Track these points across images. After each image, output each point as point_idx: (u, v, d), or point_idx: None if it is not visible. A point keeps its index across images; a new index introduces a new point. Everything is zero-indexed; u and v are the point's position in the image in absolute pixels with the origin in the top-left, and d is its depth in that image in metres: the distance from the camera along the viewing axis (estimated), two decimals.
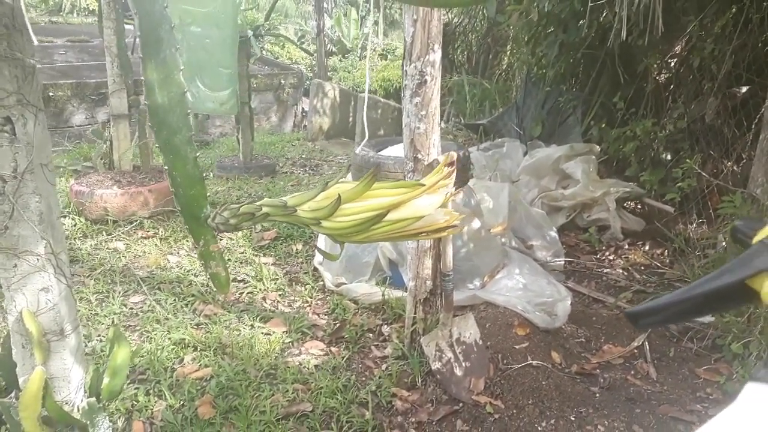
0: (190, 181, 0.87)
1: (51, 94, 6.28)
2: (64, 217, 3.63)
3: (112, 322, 2.53)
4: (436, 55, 2.05)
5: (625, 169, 4.19)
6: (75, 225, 3.54)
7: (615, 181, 3.92)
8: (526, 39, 5.10)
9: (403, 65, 2.13)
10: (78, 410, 1.19)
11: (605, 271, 3.34)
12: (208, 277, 1.00)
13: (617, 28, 3.08)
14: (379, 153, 3.02)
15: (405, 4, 1.86)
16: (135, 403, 2.05)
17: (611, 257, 3.50)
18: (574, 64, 4.66)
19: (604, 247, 3.61)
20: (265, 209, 0.81)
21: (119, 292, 2.79)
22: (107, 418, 1.23)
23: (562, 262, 3.39)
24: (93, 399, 1.20)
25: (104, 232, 3.49)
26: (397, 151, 2.96)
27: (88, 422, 1.19)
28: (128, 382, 2.15)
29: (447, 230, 0.78)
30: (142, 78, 0.81)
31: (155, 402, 2.07)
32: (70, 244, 3.31)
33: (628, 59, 4.07)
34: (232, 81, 3.00)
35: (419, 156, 2.17)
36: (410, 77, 2.08)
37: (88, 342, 2.35)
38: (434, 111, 2.12)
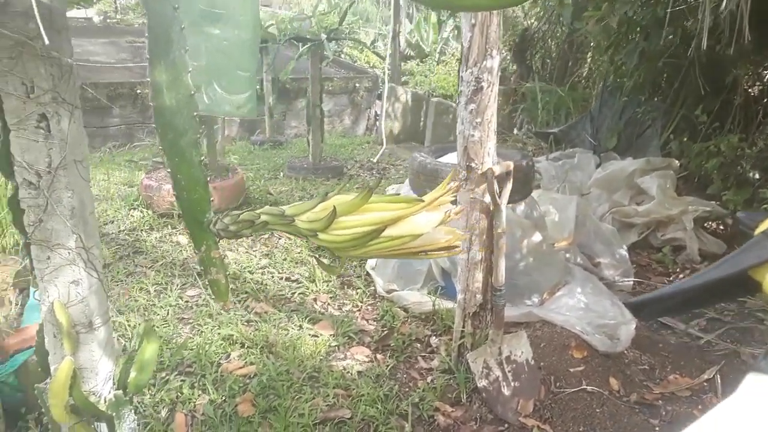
0: (194, 185, 0.85)
1: (139, 91, 6.62)
2: (134, 209, 3.81)
3: (167, 313, 2.61)
4: (494, 61, 1.98)
5: (706, 186, 3.90)
6: (143, 217, 3.70)
7: (694, 199, 3.66)
8: (605, 46, 4.88)
9: (459, 71, 2.06)
10: (105, 402, 1.21)
11: None
12: (207, 283, 0.99)
13: (699, 36, 2.87)
14: (437, 159, 2.95)
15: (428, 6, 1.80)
16: (180, 394, 2.09)
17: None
18: (655, 74, 4.40)
19: (678, 269, 3.38)
20: (263, 217, 0.78)
21: (177, 285, 2.87)
22: (133, 411, 1.24)
23: (631, 283, 3.20)
24: (120, 392, 1.22)
25: (169, 226, 3.62)
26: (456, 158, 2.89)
27: (114, 414, 1.21)
28: (175, 373, 2.20)
29: (448, 250, 0.72)
30: (148, 79, 0.80)
31: (198, 395, 2.10)
32: (136, 235, 3.45)
33: (715, 69, 3.79)
34: (251, 84, 2.97)
35: (473, 165, 2.10)
36: (466, 83, 2.01)
37: None
38: (490, 119, 2.04)
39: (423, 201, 0.70)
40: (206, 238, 0.91)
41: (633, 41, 4.38)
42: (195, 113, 0.81)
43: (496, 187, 2.13)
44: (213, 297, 1.03)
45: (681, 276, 3.30)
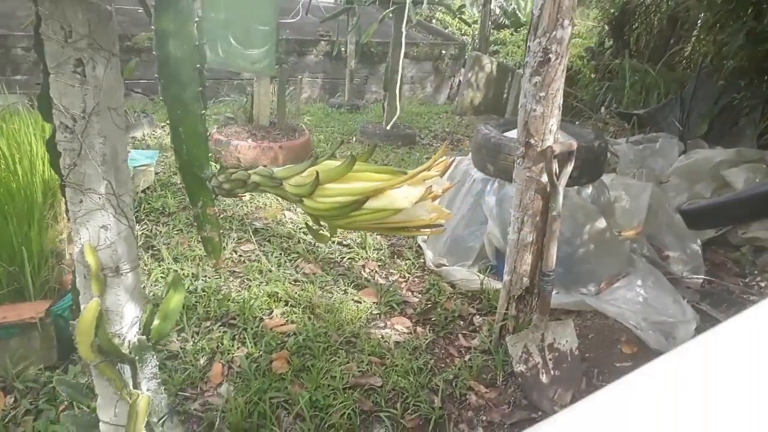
0: (196, 139, 0.84)
1: None
2: None
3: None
4: (565, 32, 1.85)
5: None
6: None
7: None
8: (710, 23, 4.49)
9: (527, 40, 1.95)
10: (128, 345, 1.26)
11: (752, 298, 2.88)
12: (200, 240, 0.99)
13: None
14: (503, 134, 2.84)
15: None
16: (220, 345, 2.16)
17: (763, 284, 3.00)
18: (761, 57, 4.00)
19: (756, 272, 3.11)
20: (254, 178, 0.77)
21: (234, 239, 2.95)
22: (155, 357, 1.29)
23: (700, 281, 2.98)
24: (143, 336, 1.26)
25: None
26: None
27: (137, 357, 1.25)
28: (219, 324, 2.28)
29: (431, 229, 0.67)
30: (153, 28, 0.78)
31: (237, 348, 2.16)
32: None
33: None
34: (270, 39, 2.71)
35: (532, 141, 2.00)
36: (533, 54, 1.90)
37: (195, 281, 2.52)
38: (555, 93, 1.92)
39: (405, 174, 0.66)
40: (203, 195, 0.91)
41: (740, 20, 4.00)
42: (198, 65, 0.79)
43: (555, 167, 2.03)
44: (206, 254, 1.04)
45: (759, 279, 3.05)
